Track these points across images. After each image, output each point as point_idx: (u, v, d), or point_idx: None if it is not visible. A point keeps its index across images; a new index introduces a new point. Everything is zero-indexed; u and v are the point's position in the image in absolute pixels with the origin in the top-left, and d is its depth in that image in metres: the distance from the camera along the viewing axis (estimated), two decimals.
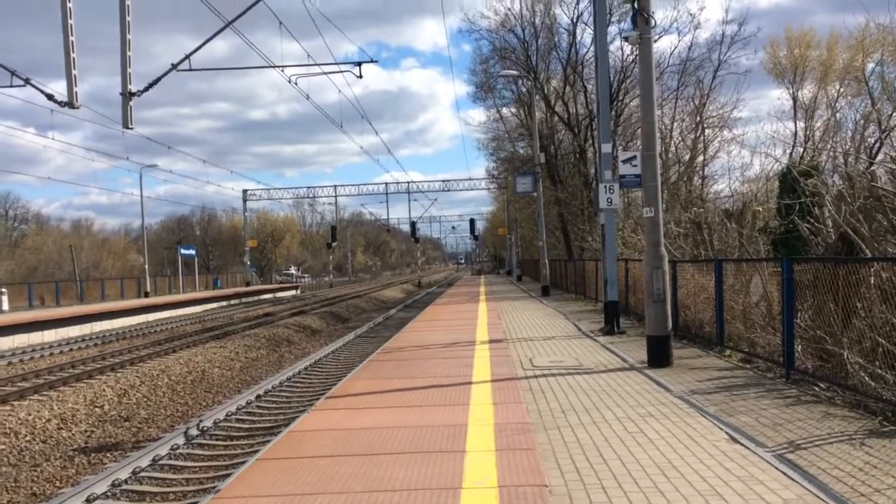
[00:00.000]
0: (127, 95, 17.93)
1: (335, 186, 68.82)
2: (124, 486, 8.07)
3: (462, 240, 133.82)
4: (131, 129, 18.57)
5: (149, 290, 48.65)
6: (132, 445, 10.54)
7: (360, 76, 26.43)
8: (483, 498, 4.91)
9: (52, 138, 75.78)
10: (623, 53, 36.09)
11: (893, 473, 5.39)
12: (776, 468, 5.53)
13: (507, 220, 66.37)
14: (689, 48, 35.26)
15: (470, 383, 9.43)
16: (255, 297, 52.31)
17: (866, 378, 7.53)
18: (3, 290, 41.03)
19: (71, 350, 22.42)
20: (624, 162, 13.55)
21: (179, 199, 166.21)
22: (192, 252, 68.35)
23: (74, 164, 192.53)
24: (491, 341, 14.22)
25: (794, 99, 40.17)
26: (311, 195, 70.94)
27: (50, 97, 16.93)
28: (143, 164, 51.13)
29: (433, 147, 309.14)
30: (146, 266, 50.38)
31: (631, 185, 13.76)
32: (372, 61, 37.75)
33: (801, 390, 8.43)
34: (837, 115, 35.11)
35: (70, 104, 16.65)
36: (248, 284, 63.22)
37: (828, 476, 5.38)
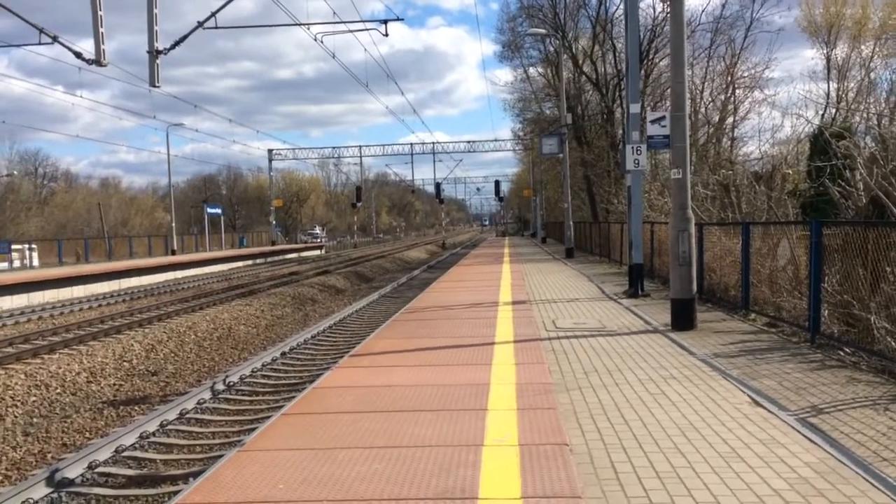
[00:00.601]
0: (154, 53, 17.97)
1: (360, 147, 68.47)
2: (152, 439, 8.25)
3: (487, 201, 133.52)
4: (158, 87, 18.65)
5: (176, 247, 49.18)
6: (159, 399, 10.77)
7: (387, 34, 25.90)
8: (504, 455, 4.94)
9: (81, 96, 75.92)
10: (654, 11, 35.53)
11: None
12: (798, 432, 5.51)
13: (532, 182, 65.89)
14: (723, 5, 34.62)
15: (493, 343, 9.46)
16: (281, 257, 52.77)
17: (893, 343, 7.46)
18: (34, 246, 41.73)
19: (100, 306, 22.84)
20: (652, 122, 13.35)
21: (206, 157, 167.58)
22: (219, 211, 68.84)
23: (103, 123, 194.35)
24: (514, 302, 14.23)
25: (828, 59, 39.28)
26: (336, 155, 70.69)
27: (78, 55, 17.00)
28: (170, 123, 51.27)
29: (459, 108, 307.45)
30: (173, 224, 50.84)
31: (659, 146, 13.58)
32: (398, 19, 37.65)
33: (826, 355, 8.37)
34: (871, 75, 34.30)
35: (98, 62, 16.73)
36: (273, 244, 63.65)
37: (850, 440, 5.35)
